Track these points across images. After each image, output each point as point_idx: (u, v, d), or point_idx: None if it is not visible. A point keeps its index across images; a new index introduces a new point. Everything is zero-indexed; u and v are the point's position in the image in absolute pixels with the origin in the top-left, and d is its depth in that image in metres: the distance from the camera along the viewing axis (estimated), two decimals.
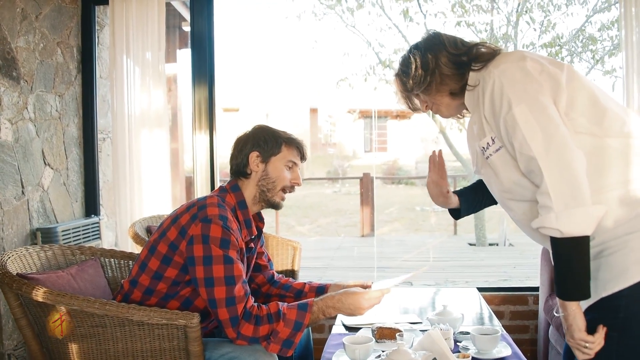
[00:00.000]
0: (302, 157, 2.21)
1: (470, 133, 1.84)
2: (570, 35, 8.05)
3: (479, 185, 2.09)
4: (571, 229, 1.52)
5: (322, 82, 17.97)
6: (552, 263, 1.66)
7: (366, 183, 10.59)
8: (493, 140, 1.69)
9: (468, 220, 10.99)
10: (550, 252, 1.64)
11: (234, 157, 2.17)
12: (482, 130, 1.72)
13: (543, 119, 1.56)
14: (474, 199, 2.11)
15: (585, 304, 1.65)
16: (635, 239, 1.59)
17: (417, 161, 18.52)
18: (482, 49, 1.75)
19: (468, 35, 7.87)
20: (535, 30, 8.11)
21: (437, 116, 8.58)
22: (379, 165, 18.67)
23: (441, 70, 1.75)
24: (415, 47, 1.81)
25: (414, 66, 1.78)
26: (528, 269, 7.13)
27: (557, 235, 1.54)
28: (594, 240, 1.61)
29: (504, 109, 1.60)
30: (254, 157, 2.12)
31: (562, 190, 1.52)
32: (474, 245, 9.56)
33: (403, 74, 1.83)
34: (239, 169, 2.14)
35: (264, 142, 2.13)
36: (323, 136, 21.19)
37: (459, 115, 1.92)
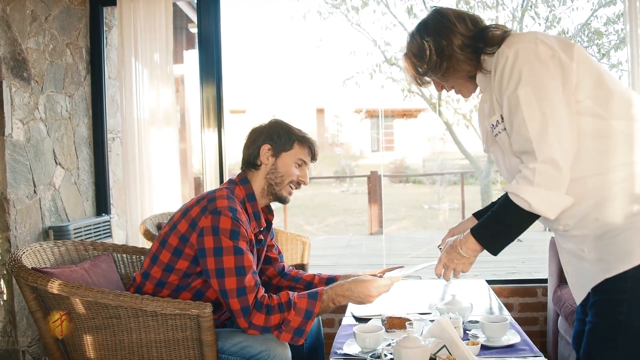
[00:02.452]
0: (313, 157, 2.24)
1: (481, 111, 1.86)
2: (575, 30, 8.04)
3: None
4: (539, 207, 1.60)
5: (328, 82, 17.95)
6: (491, 213, 1.73)
7: (374, 181, 10.59)
8: (502, 118, 1.71)
9: None
10: (499, 206, 1.70)
11: (246, 147, 2.20)
12: (492, 108, 1.74)
13: (545, 104, 1.58)
14: None
15: (589, 285, 1.68)
16: (639, 220, 1.60)
17: (425, 159, 18.48)
18: (495, 31, 1.74)
19: None
20: (540, 25, 8.09)
21: (444, 113, 8.51)
22: (387, 165, 18.65)
23: (457, 55, 1.75)
24: (426, 31, 1.79)
25: (428, 52, 1.77)
26: (536, 263, 7.12)
27: (524, 206, 1.61)
28: (598, 221, 1.63)
29: (510, 87, 1.63)
30: (265, 150, 2.15)
31: (548, 172, 1.57)
32: None
33: (415, 57, 1.82)
34: (250, 159, 2.17)
35: (277, 136, 2.16)
36: (330, 136, 21.18)
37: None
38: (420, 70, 1.83)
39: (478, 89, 1.88)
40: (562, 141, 1.57)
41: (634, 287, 1.60)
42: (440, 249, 2.00)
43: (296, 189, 2.23)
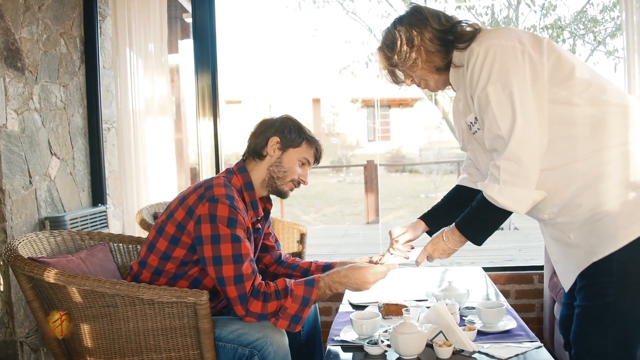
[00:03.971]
0: (316, 160, 2.26)
1: (455, 110, 1.89)
2: (571, 18, 8.03)
3: (450, 199, 2.17)
4: (507, 203, 1.67)
5: (324, 71, 17.92)
6: (471, 208, 1.81)
7: (370, 170, 10.60)
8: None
9: None
10: (477, 202, 1.77)
11: (254, 136, 2.20)
12: (467, 106, 1.77)
13: (515, 100, 1.61)
14: (446, 214, 2.14)
15: (577, 270, 1.70)
16: (622, 203, 1.63)
17: (421, 149, 18.51)
18: (466, 27, 1.78)
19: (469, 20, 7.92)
20: (536, 12, 8.09)
21: (440, 102, 8.52)
22: (383, 154, 18.67)
23: (426, 47, 1.78)
24: (400, 23, 1.82)
25: (399, 42, 1.80)
26: (533, 251, 7.15)
27: (493, 202, 1.69)
28: (582, 207, 1.66)
29: (480, 85, 1.66)
30: (273, 142, 2.16)
31: (512, 169, 1.63)
32: None
33: (387, 48, 1.85)
34: (256, 148, 2.18)
35: (288, 131, 2.17)
36: (326, 126, 21.17)
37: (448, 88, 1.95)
38: (392, 61, 1.85)
39: (444, 84, 1.91)
40: (529, 138, 1.61)
41: (620, 269, 1.62)
42: (390, 251, 2.12)
43: (296, 187, 2.24)
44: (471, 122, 1.77)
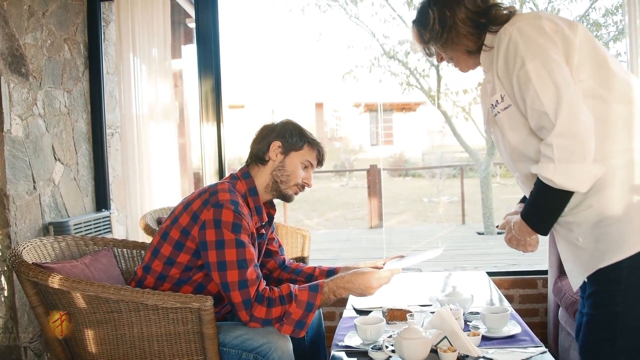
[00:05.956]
0: (319, 162, 2.26)
1: (483, 91, 1.85)
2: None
3: None
4: (565, 182, 1.55)
5: (327, 76, 17.91)
6: (531, 195, 1.70)
7: (373, 174, 10.59)
8: (502, 98, 1.69)
9: (476, 210, 11.01)
10: (535, 188, 1.66)
11: (256, 142, 2.21)
12: (494, 88, 1.73)
13: (556, 75, 1.55)
14: None
15: (583, 276, 1.67)
16: (634, 209, 1.59)
17: (424, 153, 18.48)
18: (501, 10, 1.74)
19: None
20: None
21: (443, 106, 8.48)
22: (386, 159, 18.64)
23: (458, 28, 1.75)
24: (434, 1, 1.79)
25: (431, 20, 1.78)
26: (536, 255, 7.10)
27: (550, 184, 1.57)
28: (593, 208, 1.62)
29: (518, 65, 1.61)
30: (275, 147, 2.16)
31: (565, 145, 1.53)
32: (482, 234, 9.55)
33: (420, 25, 1.83)
34: (258, 154, 2.18)
35: (289, 135, 2.18)
36: (329, 130, 21.14)
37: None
38: (424, 38, 1.84)
39: (474, 65, 1.88)
40: (578, 109, 1.53)
41: (629, 277, 1.58)
42: (497, 227, 2.01)
43: (300, 191, 2.24)
44: (495, 102, 1.72)
